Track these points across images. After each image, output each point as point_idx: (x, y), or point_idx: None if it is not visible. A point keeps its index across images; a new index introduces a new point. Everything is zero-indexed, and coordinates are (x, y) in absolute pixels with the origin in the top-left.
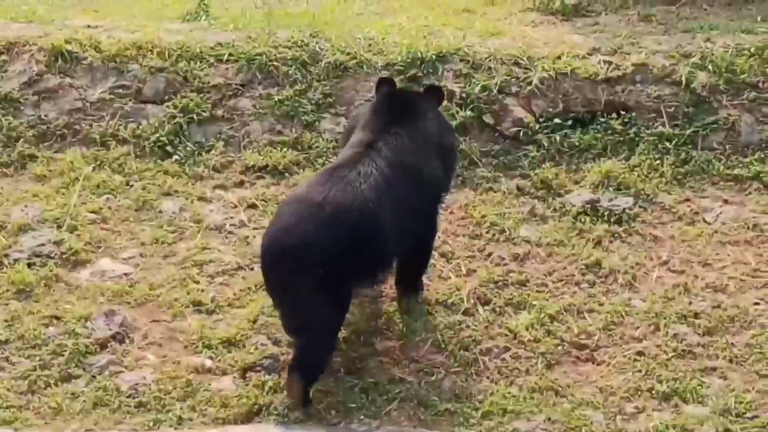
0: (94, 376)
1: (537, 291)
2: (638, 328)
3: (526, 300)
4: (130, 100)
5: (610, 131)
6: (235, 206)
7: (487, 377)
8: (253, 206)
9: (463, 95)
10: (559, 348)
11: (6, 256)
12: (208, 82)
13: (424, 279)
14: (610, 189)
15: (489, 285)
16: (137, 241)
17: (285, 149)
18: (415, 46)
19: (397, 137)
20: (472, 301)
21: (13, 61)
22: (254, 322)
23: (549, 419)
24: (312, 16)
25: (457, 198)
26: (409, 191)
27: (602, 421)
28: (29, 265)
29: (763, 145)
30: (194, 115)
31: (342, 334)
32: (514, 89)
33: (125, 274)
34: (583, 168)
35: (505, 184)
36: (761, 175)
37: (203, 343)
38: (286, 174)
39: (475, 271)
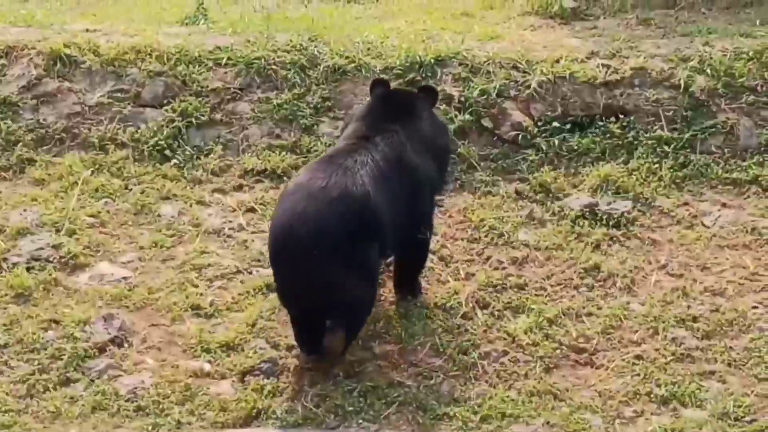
0: (92, 380)
1: (535, 295)
2: (637, 331)
3: (525, 304)
4: (128, 104)
5: (608, 135)
6: (234, 210)
7: (486, 381)
8: (251, 210)
9: (462, 99)
10: (558, 352)
11: (5, 260)
12: (207, 86)
13: (423, 283)
14: (609, 193)
15: (487, 289)
16: (136, 245)
17: (284, 153)
18: (414, 50)
19: (393, 134)
20: (471, 305)
21: (12, 65)
22: (253, 325)
23: (548, 423)
24: (311, 20)
25: (456, 202)
26: (403, 186)
27: (601, 425)
28: (28, 269)
29: (762, 148)
30: (193, 119)
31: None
32: (512, 93)
33: (124, 278)
34: (581, 172)
35: (503, 187)
36: (760, 178)
37: (202, 347)
38: (285, 178)
39: (473, 274)
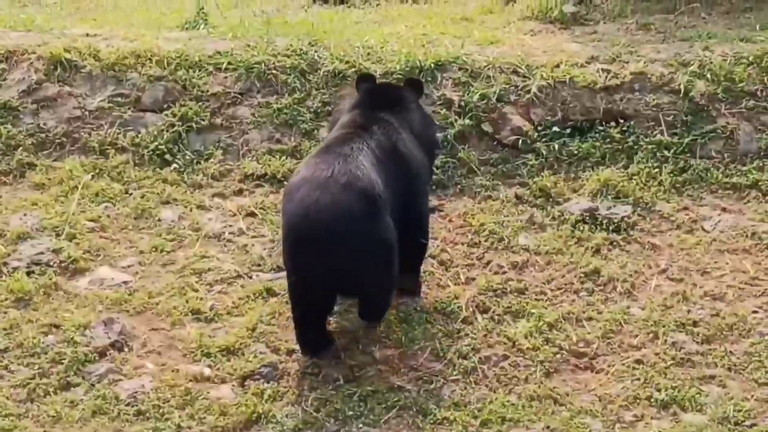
0: (93, 385)
1: (536, 299)
2: (637, 336)
3: (525, 308)
4: (129, 108)
5: (608, 140)
6: (234, 214)
7: (486, 385)
8: (251, 214)
9: (462, 103)
10: (558, 356)
11: (5, 264)
12: (207, 91)
13: (423, 287)
14: (609, 197)
15: (488, 293)
16: (136, 249)
17: (284, 157)
18: (414, 55)
19: (386, 123)
20: (471, 310)
21: (12, 69)
22: (253, 330)
23: (548, 427)
24: (311, 25)
25: (456, 206)
26: (398, 174)
27: (601, 430)
28: (28, 274)
29: (762, 153)
30: (193, 124)
31: (340, 342)
32: (512, 98)
33: (124, 283)
34: (581, 176)
35: (503, 192)
36: (760, 183)
37: (202, 351)
38: (285, 182)
39: (473, 279)
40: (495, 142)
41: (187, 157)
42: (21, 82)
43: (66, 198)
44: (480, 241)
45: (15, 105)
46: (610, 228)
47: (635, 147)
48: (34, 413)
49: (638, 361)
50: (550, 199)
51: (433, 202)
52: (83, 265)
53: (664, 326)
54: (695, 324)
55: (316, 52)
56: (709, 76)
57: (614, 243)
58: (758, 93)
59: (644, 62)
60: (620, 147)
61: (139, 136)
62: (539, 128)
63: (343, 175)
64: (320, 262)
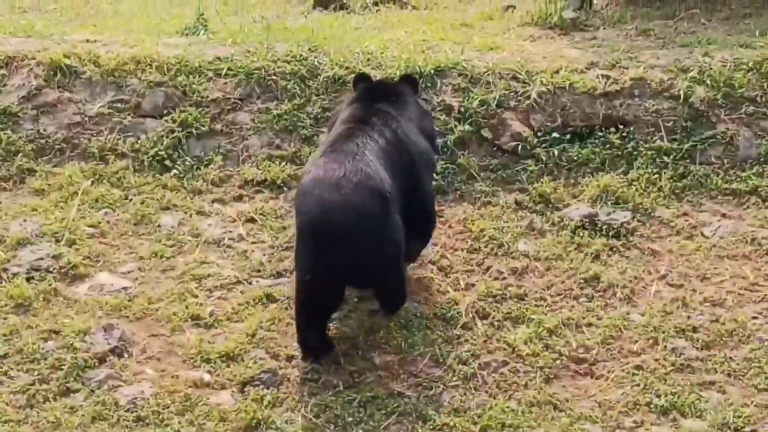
0: (92, 390)
1: (535, 305)
2: (636, 342)
3: (525, 314)
4: (128, 114)
5: (608, 145)
6: (234, 220)
7: (486, 391)
8: (251, 220)
9: (462, 109)
10: (558, 362)
11: (5, 270)
12: (207, 96)
13: (423, 293)
14: (609, 203)
15: (487, 299)
16: (136, 255)
17: (284, 163)
18: (414, 61)
19: (387, 114)
20: (471, 315)
21: (12, 75)
22: (252, 336)
23: None
24: (310, 31)
25: (456, 212)
26: (403, 163)
27: None
28: (28, 279)
29: (761, 159)
30: (193, 129)
31: (340, 348)
32: (512, 103)
33: (124, 288)
34: (581, 182)
35: (503, 198)
36: (759, 189)
37: (202, 357)
38: (285, 188)
39: (473, 285)
40: (495, 148)
41: (187, 163)
42: (21, 87)
43: (66, 204)
44: (480, 247)
45: (15, 111)
46: (610, 234)
47: (635, 153)
48: (34, 419)
49: (638, 367)
50: (550, 205)
51: None
52: (83, 270)
53: (663, 332)
54: (695, 330)
55: (315, 57)
56: (708, 81)
57: (614, 249)
58: (758, 99)
59: (644, 68)
60: (620, 153)
61: (139, 141)
62: (539, 134)
63: (355, 174)
64: (336, 258)
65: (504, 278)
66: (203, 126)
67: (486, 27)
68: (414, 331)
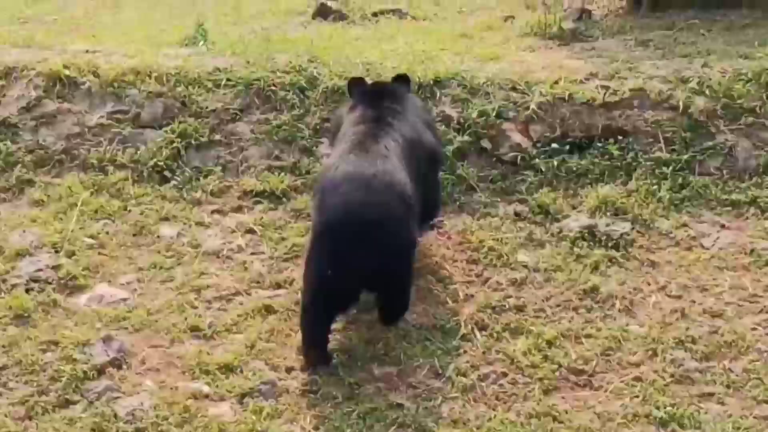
0: (91, 402)
1: (534, 316)
2: (636, 353)
3: (524, 325)
4: (128, 125)
5: (607, 156)
6: (233, 231)
7: (485, 403)
8: (251, 231)
9: (461, 120)
10: (557, 374)
11: (4, 281)
12: (206, 107)
13: (422, 306)
14: (608, 214)
15: (486, 310)
16: (135, 266)
17: (283, 174)
18: (413, 71)
19: (393, 111)
20: (470, 327)
21: (12, 85)
22: (252, 347)
23: None
24: (310, 42)
25: (455, 223)
26: (420, 159)
27: None
28: (27, 291)
29: (761, 170)
30: (192, 140)
31: (339, 359)
32: (511, 114)
33: (123, 300)
34: (580, 193)
35: (502, 209)
36: (758, 200)
37: (201, 368)
38: (284, 199)
39: (472, 296)
40: (494, 159)
41: (186, 174)
42: (20, 98)
43: (65, 215)
44: (479, 258)
45: (14, 121)
46: (609, 245)
47: (634, 164)
48: (33, 431)
49: (637, 379)
50: (549, 216)
51: None
52: (82, 282)
53: (663, 343)
54: (694, 341)
55: (315, 68)
56: (708, 92)
57: (613, 260)
58: (757, 109)
59: (643, 79)
60: (619, 164)
61: (138, 152)
62: (538, 145)
63: (384, 175)
64: (358, 256)
65: (503, 289)
66: (202, 137)
67: (485, 37)
68: (413, 343)
